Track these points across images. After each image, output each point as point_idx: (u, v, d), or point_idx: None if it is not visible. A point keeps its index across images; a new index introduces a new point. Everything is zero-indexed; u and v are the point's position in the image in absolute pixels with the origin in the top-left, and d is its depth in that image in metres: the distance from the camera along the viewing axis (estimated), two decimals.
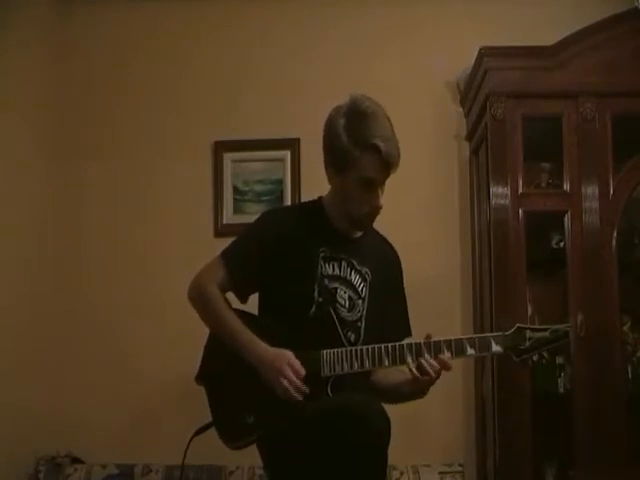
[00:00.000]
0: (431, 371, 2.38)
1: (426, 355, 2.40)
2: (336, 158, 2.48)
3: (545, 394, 3.29)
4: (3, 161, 3.40)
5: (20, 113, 3.56)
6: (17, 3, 3.50)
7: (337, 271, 2.53)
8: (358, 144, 2.43)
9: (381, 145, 2.41)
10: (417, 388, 2.45)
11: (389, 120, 2.48)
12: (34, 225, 3.65)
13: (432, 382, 2.41)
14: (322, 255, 2.51)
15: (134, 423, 3.72)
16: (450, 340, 2.42)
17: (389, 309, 2.61)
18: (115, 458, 3.58)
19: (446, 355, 2.40)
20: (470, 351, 2.43)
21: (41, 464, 3.53)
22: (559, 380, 3.35)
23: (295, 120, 3.77)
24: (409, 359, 2.41)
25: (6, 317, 3.33)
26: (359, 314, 2.53)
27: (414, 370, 2.39)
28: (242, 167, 3.84)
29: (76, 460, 3.59)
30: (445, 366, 2.40)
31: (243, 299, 2.60)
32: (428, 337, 2.43)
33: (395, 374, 2.55)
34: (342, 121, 2.46)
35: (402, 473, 3.46)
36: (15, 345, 3.40)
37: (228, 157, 3.84)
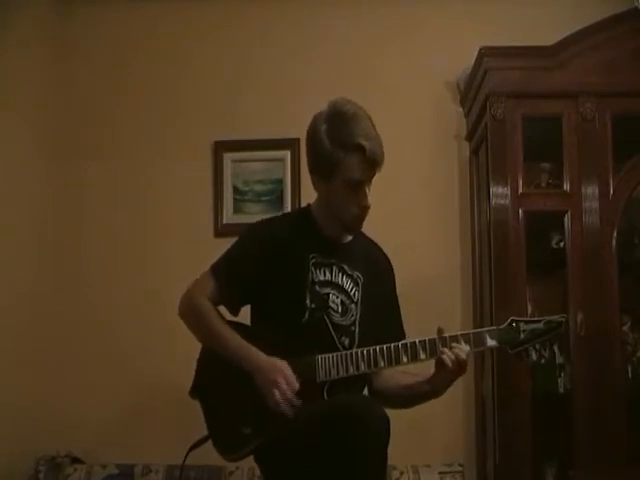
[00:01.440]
0: (449, 362, 2.37)
1: (441, 348, 2.39)
2: (321, 163, 2.47)
3: (545, 394, 3.28)
4: (3, 161, 3.40)
5: (20, 113, 3.55)
6: (17, 3, 3.50)
7: (328, 276, 2.52)
8: (341, 146, 2.41)
9: (365, 144, 2.40)
10: (437, 384, 2.44)
11: (371, 120, 2.47)
12: (34, 225, 3.65)
13: (457, 374, 2.40)
14: (313, 261, 2.50)
15: (134, 423, 3.72)
16: (445, 337, 2.42)
17: (382, 312, 2.60)
18: (115, 458, 3.58)
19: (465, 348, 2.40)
20: (465, 347, 2.42)
21: (41, 464, 3.52)
22: (559, 380, 3.35)
23: (295, 120, 3.72)
24: (404, 359, 2.41)
25: (6, 317, 3.33)
26: (352, 318, 2.52)
27: (447, 361, 2.37)
28: (242, 167, 3.84)
29: (76, 460, 3.59)
30: (458, 357, 2.38)
31: (234, 311, 2.59)
32: (441, 331, 2.42)
33: (403, 377, 2.55)
34: (324, 127, 2.45)
35: (402, 473, 3.45)
36: (15, 345, 3.40)
37: (228, 157, 3.84)
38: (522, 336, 2.45)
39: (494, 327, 2.50)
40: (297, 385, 2.37)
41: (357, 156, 2.41)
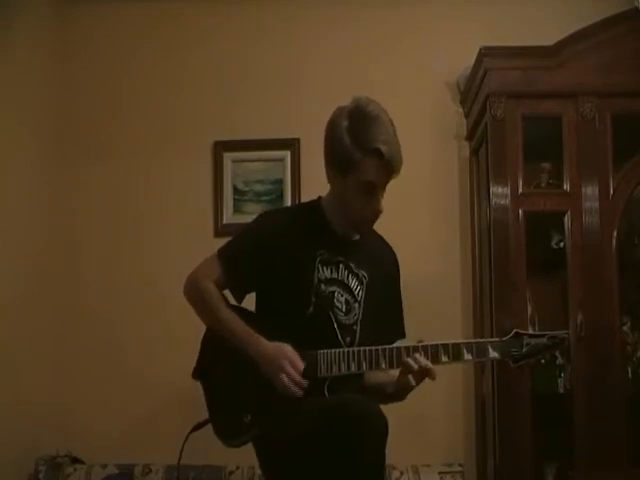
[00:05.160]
0: (414, 366, 2.37)
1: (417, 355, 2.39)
2: (337, 160, 2.46)
3: (545, 394, 3.29)
4: (3, 160, 3.40)
5: (20, 113, 3.55)
6: (17, 3, 3.50)
7: (334, 274, 2.51)
8: (360, 147, 2.40)
9: (383, 149, 2.38)
10: (398, 388, 2.45)
11: (392, 124, 2.45)
12: (33, 223, 3.64)
13: (416, 383, 2.40)
14: (320, 258, 2.50)
15: (134, 423, 3.72)
16: (448, 344, 2.41)
17: (384, 312, 2.59)
18: (115, 458, 3.58)
19: (443, 359, 2.40)
20: (467, 356, 2.42)
21: (41, 464, 3.52)
22: (559, 380, 3.35)
23: (295, 120, 3.77)
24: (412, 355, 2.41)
25: (5, 317, 3.33)
26: (355, 317, 2.52)
27: (408, 366, 2.38)
28: (242, 167, 3.84)
29: (76, 460, 3.59)
30: (429, 372, 2.38)
31: (239, 298, 2.58)
32: (419, 342, 2.43)
33: (380, 374, 2.54)
34: (345, 123, 2.44)
35: (402, 473, 3.45)
36: (15, 345, 3.39)
37: (228, 157, 3.84)
38: (525, 350, 2.43)
39: (497, 339, 2.48)
40: (302, 365, 2.37)
41: (374, 160, 2.40)
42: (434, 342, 2.42)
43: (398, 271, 2.69)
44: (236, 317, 2.48)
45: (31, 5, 3.65)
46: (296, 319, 2.46)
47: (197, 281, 2.55)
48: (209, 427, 2.52)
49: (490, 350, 2.44)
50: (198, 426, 2.55)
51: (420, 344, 2.42)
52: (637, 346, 3.38)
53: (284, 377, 2.36)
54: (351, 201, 2.47)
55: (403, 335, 2.61)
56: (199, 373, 2.56)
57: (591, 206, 3.25)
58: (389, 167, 2.41)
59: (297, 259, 2.49)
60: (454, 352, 2.41)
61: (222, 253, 2.56)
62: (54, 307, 3.72)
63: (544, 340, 2.45)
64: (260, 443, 2.47)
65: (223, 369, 2.51)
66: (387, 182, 2.46)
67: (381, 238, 2.69)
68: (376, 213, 2.48)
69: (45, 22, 3.82)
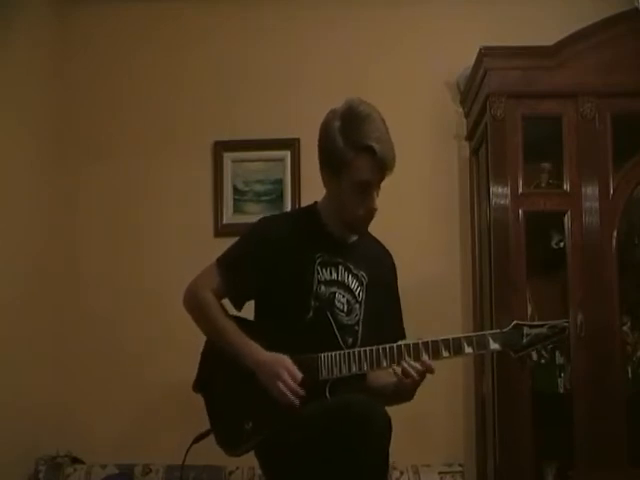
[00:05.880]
0: (413, 373, 2.37)
1: (407, 357, 2.39)
2: (331, 160, 2.47)
3: (545, 394, 3.29)
4: (2, 160, 3.40)
5: (20, 113, 3.55)
6: (17, 3, 3.50)
7: (334, 276, 2.52)
8: (353, 146, 2.42)
9: (376, 147, 2.40)
10: (402, 390, 2.45)
11: (384, 123, 2.47)
12: (33, 223, 3.64)
13: (416, 384, 2.41)
14: (319, 261, 2.51)
15: (134, 423, 3.72)
16: (448, 339, 2.42)
17: (384, 312, 2.60)
18: (115, 458, 3.58)
19: (444, 354, 2.41)
20: (468, 349, 2.43)
21: (41, 464, 3.52)
22: (559, 380, 3.35)
23: (295, 120, 3.77)
24: (407, 359, 2.41)
25: (5, 318, 3.33)
26: (357, 318, 2.53)
27: (398, 372, 2.39)
28: (242, 167, 3.84)
29: (76, 460, 3.59)
30: (428, 369, 2.39)
31: (238, 306, 2.59)
32: (419, 340, 2.43)
33: (384, 376, 2.55)
34: (337, 124, 2.45)
35: (402, 473, 3.46)
36: (15, 345, 3.39)
37: (228, 157, 3.84)
38: (525, 340, 2.44)
39: (497, 330, 2.49)
40: (300, 376, 2.38)
41: (367, 158, 2.41)
42: (434, 338, 2.42)
43: (395, 272, 2.70)
44: (235, 326, 2.49)
45: (31, 5, 3.65)
46: (296, 324, 2.47)
47: (196, 291, 2.56)
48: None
49: (491, 342, 2.44)
50: (200, 437, 2.56)
51: (420, 340, 2.42)
52: (637, 346, 3.38)
53: (281, 385, 2.36)
54: (346, 201, 2.48)
55: (403, 335, 2.61)
56: (199, 386, 2.57)
57: (591, 206, 3.25)
58: (382, 164, 2.42)
59: (297, 263, 2.50)
60: (455, 346, 2.41)
61: (221, 261, 2.57)
62: (54, 307, 3.72)
63: (544, 330, 2.45)
64: (262, 445, 2.47)
65: (223, 379, 2.51)
66: (381, 180, 2.47)
67: (377, 240, 2.70)
68: (371, 212, 2.49)
69: (45, 22, 3.82)
